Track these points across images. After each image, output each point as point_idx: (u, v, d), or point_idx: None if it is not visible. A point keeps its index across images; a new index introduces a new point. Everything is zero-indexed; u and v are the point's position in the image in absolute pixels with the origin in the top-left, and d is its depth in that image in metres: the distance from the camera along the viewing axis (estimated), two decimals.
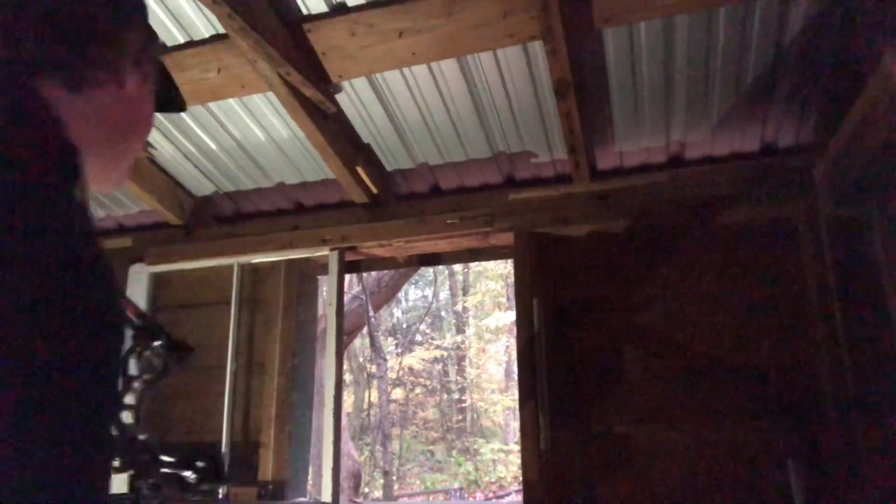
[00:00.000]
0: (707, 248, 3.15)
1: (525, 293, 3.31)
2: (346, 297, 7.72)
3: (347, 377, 14.68)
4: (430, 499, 13.33)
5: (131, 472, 1.17)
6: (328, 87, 3.10)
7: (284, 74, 2.87)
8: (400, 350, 16.74)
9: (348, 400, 14.74)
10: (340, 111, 3.27)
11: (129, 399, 1.23)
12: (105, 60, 0.76)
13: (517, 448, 12.03)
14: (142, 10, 0.84)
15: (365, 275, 7.95)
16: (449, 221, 3.52)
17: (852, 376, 2.77)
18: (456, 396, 17.50)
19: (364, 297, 8.05)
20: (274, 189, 3.89)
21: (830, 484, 2.75)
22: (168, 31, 2.99)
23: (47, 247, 0.55)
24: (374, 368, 13.44)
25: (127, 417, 1.22)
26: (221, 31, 2.89)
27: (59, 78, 0.72)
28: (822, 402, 2.85)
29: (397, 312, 19.04)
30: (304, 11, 2.86)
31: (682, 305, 3.12)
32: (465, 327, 18.01)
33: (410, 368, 16.51)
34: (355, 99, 3.22)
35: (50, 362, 0.51)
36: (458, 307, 18.12)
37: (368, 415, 14.69)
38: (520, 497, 4.12)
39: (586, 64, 2.88)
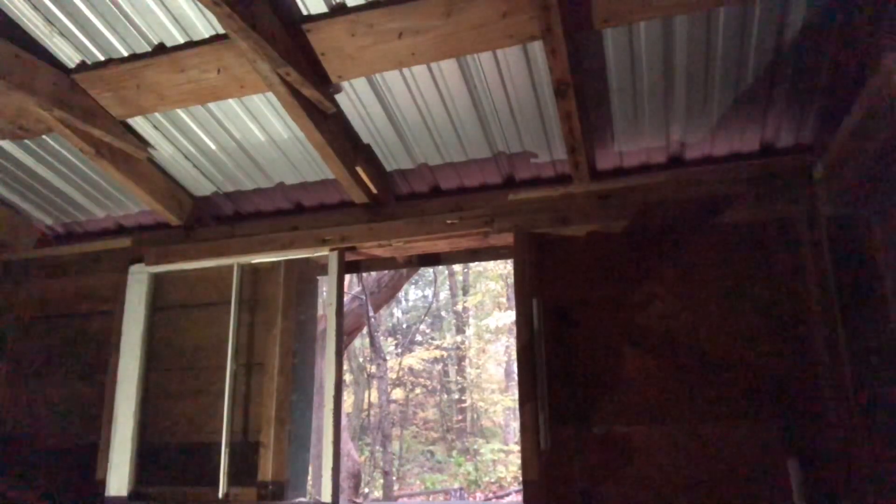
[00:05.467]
0: (707, 248, 3.15)
1: (525, 293, 3.31)
2: (346, 298, 7.72)
3: (347, 377, 14.67)
4: (430, 499, 13.32)
5: None
6: (328, 87, 3.10)
7: (284, 75, 2.87)
8: (400, 350, 16.72)
9: (348, 400, 14.73)
10: (340, 111, 3.27)
11: None
12: None
13: (517, 448, 12.03)
14: None
15: (365, 275, 7.96)
16: (449, 221, 3.52)
17: (852, 376, 2.77)
18: (456, 396, 17.48)
19: (364, 297, 8.04)
20: (274, 189, 3.89)
21: (830, 484, 2.75)
22: (168, 31, 2.99)
23: None
24: (374, 368, 13.43)
25: None
26: (221, 31, 2.89)
27: None
28: (822, 402, 2.85)
29: (397, 312, 19.04)
30: (304, 12, 2.87)
31: (681, 305, 3.12)
32: (465, 327, 17.98)
33: (410, 368, 16.50)
34: (355, 99, 3.22)
35: None
36: (458, 307, 18.09)
37: (368, 415, 14.68)
38: (520, 497, 4.11)
39: (586, 64, 2.88)
